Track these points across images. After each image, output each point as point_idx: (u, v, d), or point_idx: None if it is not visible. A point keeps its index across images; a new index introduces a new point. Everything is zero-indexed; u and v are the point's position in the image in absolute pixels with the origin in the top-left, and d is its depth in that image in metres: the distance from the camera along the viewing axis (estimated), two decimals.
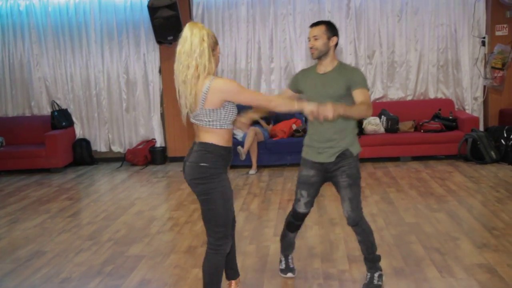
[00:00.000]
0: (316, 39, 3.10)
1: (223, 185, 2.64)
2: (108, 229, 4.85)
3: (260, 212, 5.10)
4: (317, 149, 3.19)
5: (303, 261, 3.80)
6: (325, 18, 7.44)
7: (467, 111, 7.52)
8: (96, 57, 7.93)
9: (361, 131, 7.13)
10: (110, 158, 8.22)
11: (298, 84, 3.32)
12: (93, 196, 6.17)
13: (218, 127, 2.63)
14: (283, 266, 3.55)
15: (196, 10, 7.68)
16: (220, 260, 2.71)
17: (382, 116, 7.24)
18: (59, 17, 7.87)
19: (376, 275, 3.30)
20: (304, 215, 3.35)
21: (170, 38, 7.23)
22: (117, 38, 7.86)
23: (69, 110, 8.08)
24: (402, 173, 6.47)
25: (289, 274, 3.51)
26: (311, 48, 3.13)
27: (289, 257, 3.57)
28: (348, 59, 7.58)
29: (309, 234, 4.40)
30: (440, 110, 7.33)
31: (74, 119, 8.11)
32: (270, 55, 7.73)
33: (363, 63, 7.60)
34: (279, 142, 7.06)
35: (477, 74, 7.52)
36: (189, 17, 7.47)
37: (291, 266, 3.55)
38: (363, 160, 7.13)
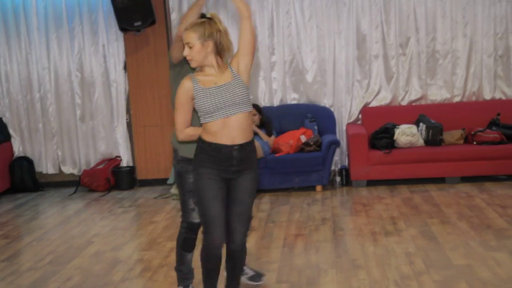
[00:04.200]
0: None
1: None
2: (56, 276, 4.81)
3: (259, 251, 5.09)
4: None
5: None
6: None
7: None
8: (39, 49, 7.98)
9: (392, 144, 7.16)
10: (60, 183, 8.23)
11: None
12: (36, 233, 6.14)
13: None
14: None
15: None
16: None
17: (421, 124, 7.27)
18: None
19: None
20: (200, 225, 3.77)
21: (137, 24, 7.27)
22: (67, 25, 7.90)
23: (4, 119, 8.11)
24: (448, 199, 6.46)
25: None
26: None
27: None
28: (374, 48, 7.64)
29: (324, 280, 4.38)
30: (499, 115, 7.36)
31: (11, 131, 8.14)
32: (270, 45, 7.78)
33: (393, 54, 7.65)
34: (283, 158, 7.07)
35: None
36: None
37: None
38: (396, 181, 7.14)
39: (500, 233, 5.23)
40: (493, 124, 7.29)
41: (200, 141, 3.42)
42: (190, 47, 3.32)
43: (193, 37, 3.30)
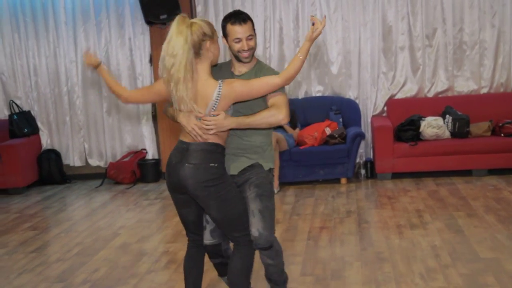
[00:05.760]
0: (250, 39, 3.35)
1: (232, 183, 3.33)
2: (83, 267, 4.87)
3: (284, 244, 5.07)
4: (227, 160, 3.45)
5: None
6: None
7: None
8: (67, 43, 8.06)
9: (417, 136, 7.11)
10: (86, 175, 8.32)
11: None
12: (64, 225, 6.23)
13: None
14: None
15: None
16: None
17: (447, 116, 7.21)
18: None
19: None
20: (215, 247, 3.51)
21: (163, 17, 7.30)
22: (94, 19, 7.97)
23: (32, 112, 8.22)
24: (475, 191, 6.41)
25: None
26: (247, 50, 3.34)
27: None
28: (400, 40, 7.58)
29: (348, 273, 4.38)
30: None
31: (39, 124, 8.25)
32: (296, 37, 7.76)
33: (420, 45, 7.58)
34: (308, 151, 7.06)
35: None
36: None
37: None
38: (422, 174, 7.09)
39: None
40: None
41: (220, 147, 3.29)
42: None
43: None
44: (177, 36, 3.13)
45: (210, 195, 3.21)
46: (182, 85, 3.12)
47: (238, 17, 3.31)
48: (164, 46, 3.17)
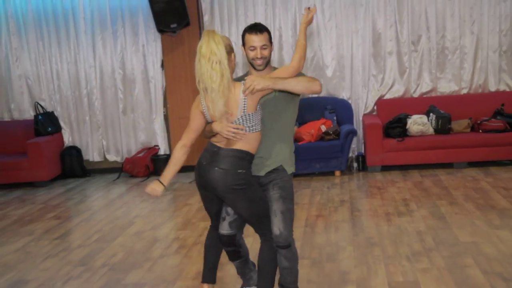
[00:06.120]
0: (264, 49, 3.30)
1: (257, 184, 3.31)
2: (102, 252, 4.90)
3: None
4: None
5: None
6: None
7: None
8: (86, 50, 8.07)
9: (404, 133, 7.11)
10: (104, 169, 8.34)
11: None
12: (84, 214, 6.26)
13: (256, 131, 3.22)
14: None
15: None
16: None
17: (431, 114, 7.21)
18: (41, 3, 8.03)
19: None
20: (230, 237, 3.47)
21: (173, 26, 7.32)
22: (111, 27, 7.99)
23: (55, 113, 8.23)
24: (456, 182, 6.42)
25: None
26: (260, 58, 3.30)
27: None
28: (388, 46, 7.58)
29: (342, 256, 4.40)
30: (503, 105, 7.26)
31: (61, 123, 8.26)
32: (293, 43, 7.74)
33: (406, 50, 7.58)
34: (305, 146, 7.07)
35: None
36: (196, 1, 7.55)
37: None
38: (408, 167, 7.10)
39: (503, 213, 5.20)
40: (497, 113, 7.20)
41: (249, 155, 3.24)
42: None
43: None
44: (218, 45, 3.08)
45: (238, 197, 3.22)
46: (225, 90, 3.08)
47: (255, 27, 3.31)
48: (204, 54, 3.08)
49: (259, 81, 3.09)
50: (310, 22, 3.37)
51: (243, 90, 3.12)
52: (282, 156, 3.39)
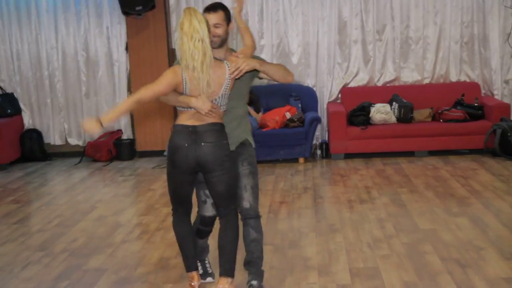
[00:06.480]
0: (217, 27, 3.31)
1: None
2: (62, 237, 4.84)
3: None
4: None
5: (296, 275, 3.84)
6: None
7: (496, 97, 7.57)
8: (48, 30, 7.89)
9: (368, 121, 7.18)
10: (66, 153, 8.19)
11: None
12: (45, 199, 6.15)
13: (225, 108, 3.35)
14: (200, 271, 3.76)
15: None
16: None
17: (394, 103, 7.29)
18: None
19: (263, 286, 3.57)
20: (213, 218, 3.62)
21: (138, 8, 7.20)
22: (74, 8, 7.81)
23: (15, 94, 8.05)
24: (417, 170, 6.52)
25: (209, 279, 3.79)
26: (213, 36, 3.30)
27: (206, 261, 3.84)
28: (354, 34, 7.61)
29: (304, 242, 4.44)
30: (463, 95, 7.38)
31: (21, 105, 8.08)
32: (260, 30, 7.73)
33: (371, 39, 7.63)
34: (270, 133, 7.08)
35: (509, 53, 7.58)
36: None
37: (210, 270, 3.84)
38: (371, 155, 7.18)
39: (461, 201, 5.31)
40: (458, 104, 7.32)
41: (222, 126, 3.33)
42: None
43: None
44: (200, 23, 3.13)
45: (225, 169, 3.29)
46: (208, 68, 3.15)
47: (211, 6, 3.34)
48: (186, 32, 3.11)
49: (248, 62, 3.21)
50: (241, 8, 3.58)
51: (231, 71, 3.21)
52: (247, 131, 3.54)
